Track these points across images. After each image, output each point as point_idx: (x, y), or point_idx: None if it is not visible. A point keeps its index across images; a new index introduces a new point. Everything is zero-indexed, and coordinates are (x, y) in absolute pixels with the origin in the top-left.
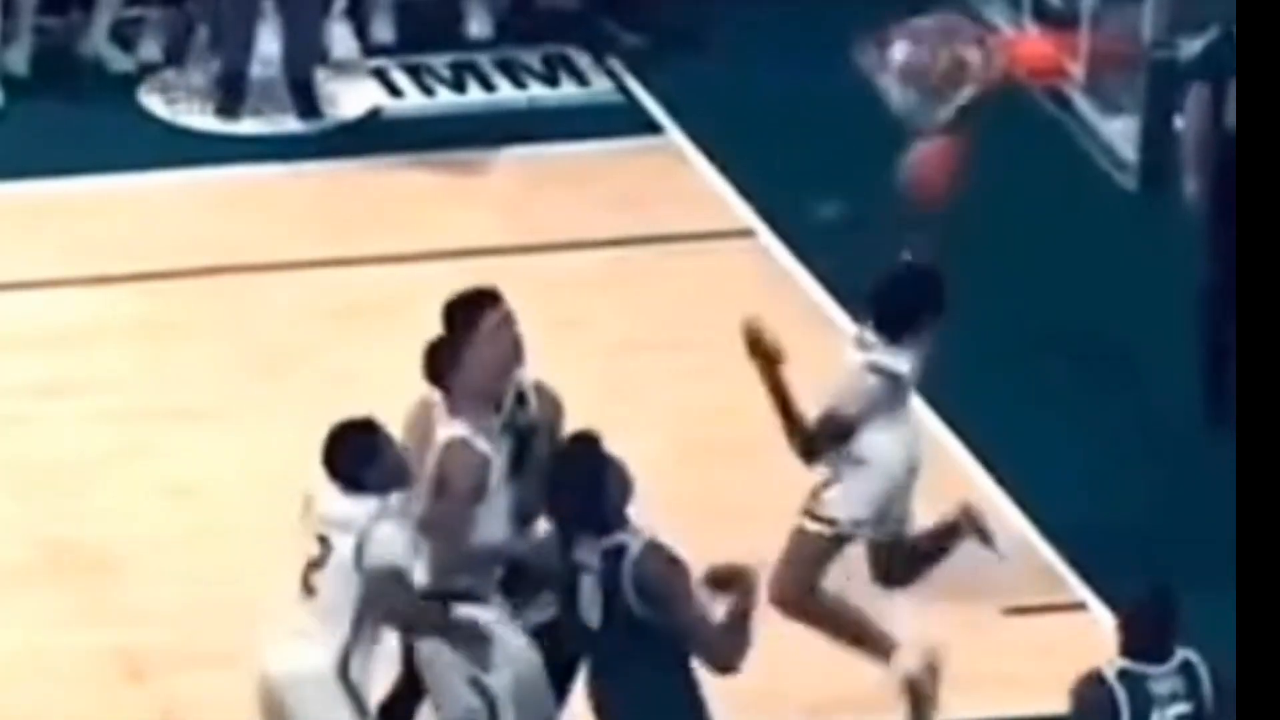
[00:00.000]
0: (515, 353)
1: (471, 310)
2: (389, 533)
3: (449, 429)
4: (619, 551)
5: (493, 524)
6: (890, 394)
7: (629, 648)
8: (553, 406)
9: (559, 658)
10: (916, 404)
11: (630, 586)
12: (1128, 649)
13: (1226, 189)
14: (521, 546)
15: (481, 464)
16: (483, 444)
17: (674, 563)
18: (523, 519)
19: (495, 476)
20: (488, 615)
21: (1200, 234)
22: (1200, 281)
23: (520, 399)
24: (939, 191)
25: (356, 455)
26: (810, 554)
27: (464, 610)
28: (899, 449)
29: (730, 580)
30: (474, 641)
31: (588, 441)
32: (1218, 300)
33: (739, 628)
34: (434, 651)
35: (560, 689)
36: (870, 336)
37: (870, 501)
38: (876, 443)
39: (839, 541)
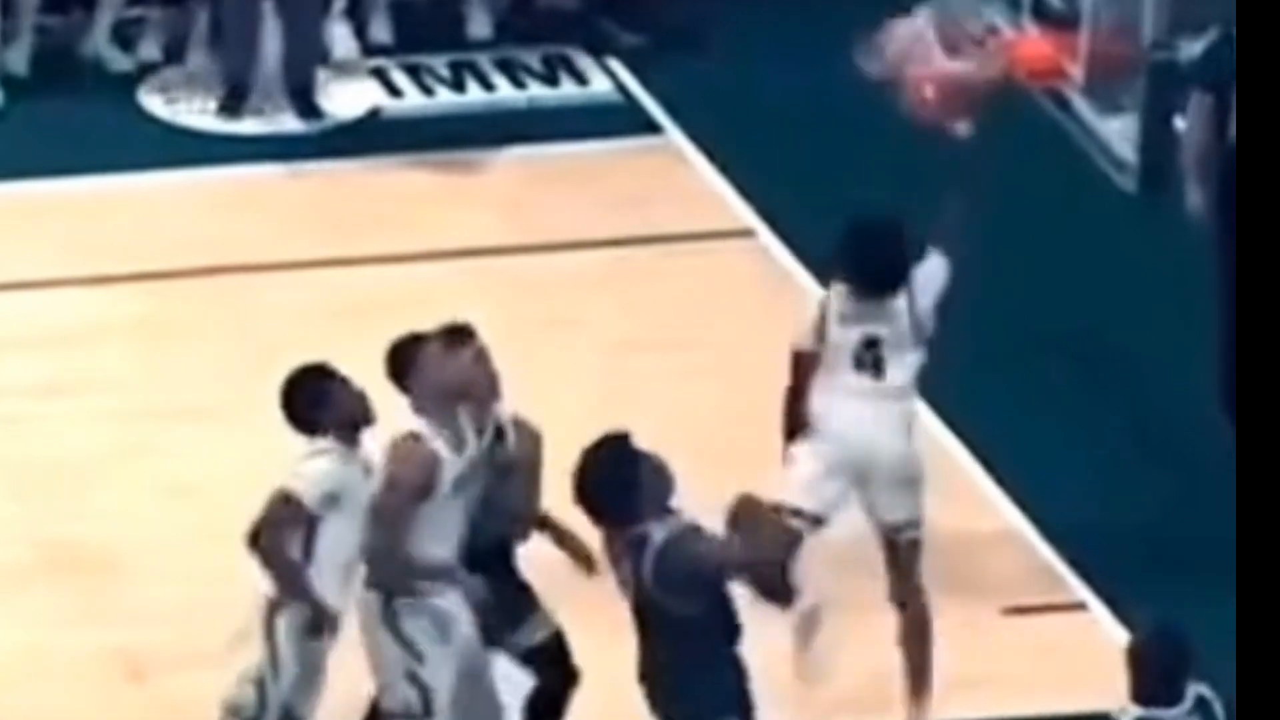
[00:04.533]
0: (489, 385)
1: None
2: (319, 468)
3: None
4: (641, 542)
5: (438, 529)
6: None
7: (661, 634)
8: (532, 441)
9: (552, 682)
10: (918, 405)
11: (650, 576)
12: (1140, 694)
13: (1231, 202)
14: (474, 583)
15: (428, 461)
16: (439, 446)
17: (698, 553)
18: (485, 548)
19: (447, 481)
20: (440, 605)
21: (1209, 246)
22: (1218, 299)
23: (499, 434)
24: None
25: (310, 398)
26: None
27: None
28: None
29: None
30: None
31: (617, 439)
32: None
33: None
34: (374, 644)
35: (549, 712)
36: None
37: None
38: None
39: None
